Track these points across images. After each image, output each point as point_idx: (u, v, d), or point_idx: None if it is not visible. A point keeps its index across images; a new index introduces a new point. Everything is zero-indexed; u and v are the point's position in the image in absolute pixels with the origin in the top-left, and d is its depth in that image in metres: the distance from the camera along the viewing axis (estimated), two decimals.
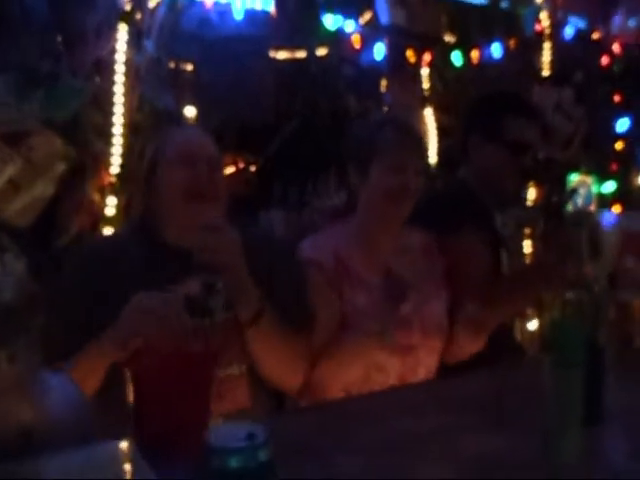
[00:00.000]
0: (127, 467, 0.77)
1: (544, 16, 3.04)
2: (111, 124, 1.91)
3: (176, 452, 0.78)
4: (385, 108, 2.63)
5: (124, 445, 0.78)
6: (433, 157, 2.73)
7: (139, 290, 1.10)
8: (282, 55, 2.42)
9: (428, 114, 2.73)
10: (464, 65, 2.76)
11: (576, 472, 0.83)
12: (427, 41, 2.68)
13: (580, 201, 3.09)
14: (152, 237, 1.27)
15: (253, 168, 2.56)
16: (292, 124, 2.52)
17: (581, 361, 0.84)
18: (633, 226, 1.71)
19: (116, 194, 1.89)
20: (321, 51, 2.46)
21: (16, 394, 0.79)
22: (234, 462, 0.63)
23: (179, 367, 0.82)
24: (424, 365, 1.46)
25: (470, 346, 1.44)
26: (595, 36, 3.23)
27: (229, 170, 2.49)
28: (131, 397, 0.84)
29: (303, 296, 1.33)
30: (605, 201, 3.29)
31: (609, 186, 3.29)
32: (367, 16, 2.58)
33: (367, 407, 1.09)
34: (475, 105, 1.89)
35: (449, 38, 2.77)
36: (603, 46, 3.23)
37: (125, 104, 1.89)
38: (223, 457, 0.63)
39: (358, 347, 1.32)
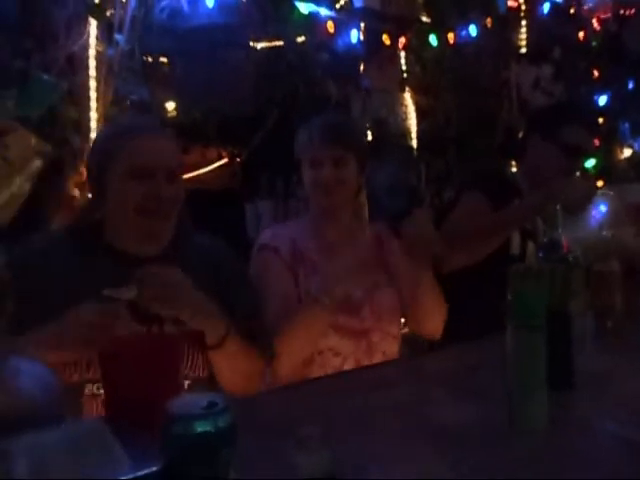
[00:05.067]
0: (100, 444, 0.79)
1: None
2: (87, 119, 1.92)
3: (148, 431, 0.80)
4: (364, 93, 2.64)
5: (95, 423, 0.80)
6: (414, 139, 2.74)
7: (72, 291, 1.08)
8: (259, 44, 2.41)
9: (407, 96, 2.74)
10: (441, 46, 2.76)
11: (540, 437, 0.84)
12: (402, 23, 2.67)
13: None
14: (92, 238, 1.24)
15: (238, 160, 2.57)
16: (273, 114, 2.53)
17: (541, 325, 0.86)
18: (628, 198, 1.86)
19: None
20: (298, 38, 2.45)
21: None
22: (196, 428, 0.65)
23: (146, 349, 0.83)
24: (380, 350, 1.50)
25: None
26: (571, 11, 3.22)
27: (215, 164, 2.50)
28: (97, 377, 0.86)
29: (259, 307, 1.33)
30: (589, 176, 3.30)
31: (592, 161, 3.30)
32: (342, 1, 2.58)
33: (336, 384, 1.11)
34: (540, 110, 2.38)
35: (425, 19, 2.77)
36: (580, 21, 3.23)
37: (99, 98, 1.90)
38: (185, 424, 0.65)
39: (304, 317, 1.35)
